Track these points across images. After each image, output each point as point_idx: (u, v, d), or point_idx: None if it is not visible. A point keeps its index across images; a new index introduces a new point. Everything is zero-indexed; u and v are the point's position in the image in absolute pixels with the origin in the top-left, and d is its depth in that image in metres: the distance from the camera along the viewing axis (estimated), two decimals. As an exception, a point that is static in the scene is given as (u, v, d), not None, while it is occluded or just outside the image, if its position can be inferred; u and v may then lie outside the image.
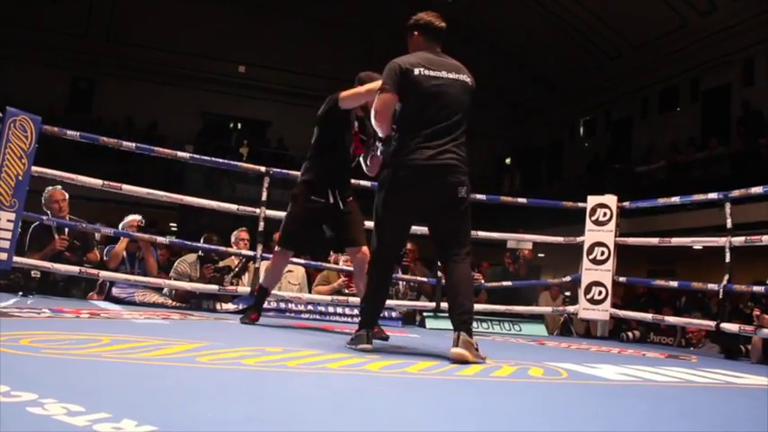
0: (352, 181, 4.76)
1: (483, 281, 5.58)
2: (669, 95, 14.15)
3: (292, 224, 3.58)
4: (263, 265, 4.99)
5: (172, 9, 15.85)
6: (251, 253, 4.65)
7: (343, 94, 3.39)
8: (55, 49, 15.07)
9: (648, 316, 4.96)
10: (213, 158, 5.47)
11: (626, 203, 5.18)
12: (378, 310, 2.88)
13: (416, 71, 2.70)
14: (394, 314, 4.79)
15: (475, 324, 4.81)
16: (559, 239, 5.33)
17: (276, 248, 3.69)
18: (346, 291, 4.92)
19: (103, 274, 4.36)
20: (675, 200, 5.18)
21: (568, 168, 16.57)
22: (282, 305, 4.62)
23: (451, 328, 4.69)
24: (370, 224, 2.96)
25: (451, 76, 2.75)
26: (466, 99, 2.78)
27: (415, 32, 2.87)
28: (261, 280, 3.85)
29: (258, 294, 3.74)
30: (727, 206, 4.33)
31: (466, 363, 2.47)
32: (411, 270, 5.60)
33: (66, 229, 4.55)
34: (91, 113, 15.39)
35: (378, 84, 2.92)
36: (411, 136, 2.69)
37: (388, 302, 4.80)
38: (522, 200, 5.73)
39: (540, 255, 10.91)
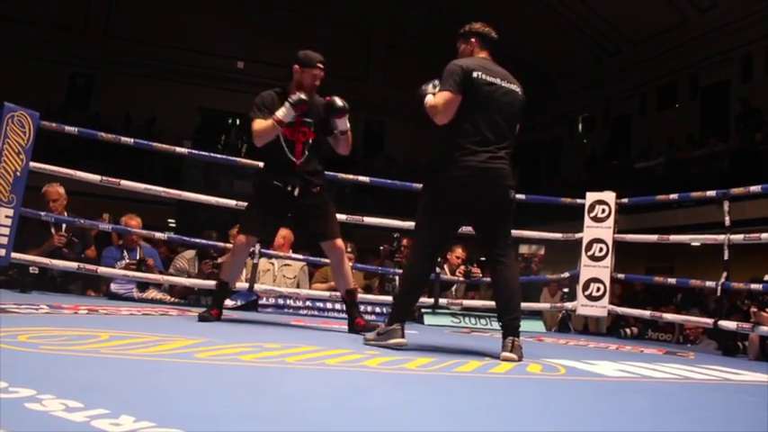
0: (351, 177, 4.75)
1: (482, 276, 5.57)
2: (668, 92, 14.14)
3: (253, 208, 3.46)
4: (262, 262, 5.01)
5: (170, 5, 15.81)
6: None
7: (255, 128, 3.27)
8: (52, 45, 15.02)
9: (646, 313, 4.96)
10: (211, 154, 5.46)
11: (625, 200, 5.18)
12: (411, 307, 2.90)
13: (476, 74, 2.72)
14: (392, 310, 4.79)
15: (473, 320, 4.86)
16: (558, 236, 5.33)
17: (237, 236, 3.46)
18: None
19: (102, 270, 4.35)
20: (674, 197, 5.18)
21: (567, 165, 16.57)
22: (281, 301, 4.62)
23: (450, 324, 4.75)
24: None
25: (505, 84, 2.79)
26: (517, 109, 2.83)
27: (473, 39, 2.90)
28: (221, 273, 3.62)
29: (218, 290, 3.51)
30: (726, 204, 4.33)
31: None
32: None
33: (64, 226, 4.54)
34: (89, 109, 15.35)
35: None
36: (465, 139, 2.70)
37: (385, 298, 4.81)
38: (520, 196, 5.71)
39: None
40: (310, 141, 3.37)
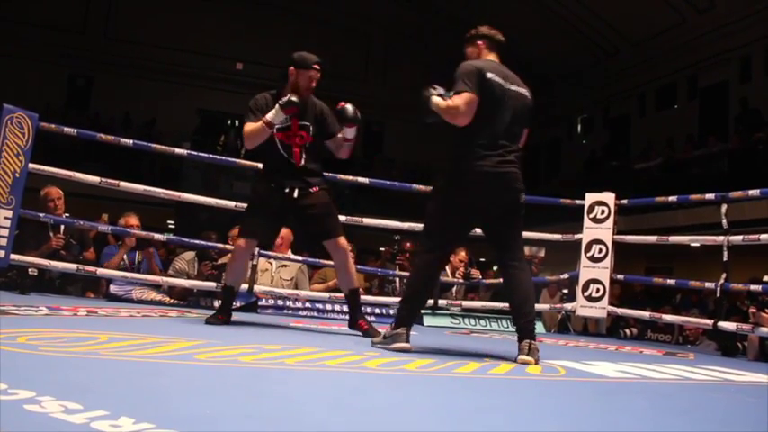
0: (350, 178, 4.75)
1: (481, 277, 5.58)
2: (667, 93, 14.16)
3: (252, 211, 3.39)
4: (261, 263, 5.00)
5: (169, 6, 15.81)
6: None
7: (245, 130, 3.23)
8: (52, 47, 15.02)
9: (646, 314, 4.96)
10: (211, 155, 5.46)
11: (624, 201, 5.18)
12: (419, 310, 2.87)
13: (489, 76, 2.69)
14: (391, 311, 4.79)
15: (473, 321, 4.86)
16: (557, 237, 5.33)
17: (237, 240, 3.41)
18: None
19: (101, 271, 4.35)
20: (673, 199, 5.18)
21: (566, 166, 16.57)
22: (281, 302, 4.61)
23: (450, 325, 4.75)
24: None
25: (514, 87, 2.77)
26: (527, 113, 2.82)
27: (480, 42, 2.88)
28: (224, 278, 3.56)
29: (224, 295, 3.42)
30: (723, 207, 4.33)
31: None
32: (408, 268, 5.59)
33: (63, 228, 4.53)
34: (88, 111, 15.35)
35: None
36: (477, 142, 2.68)
37: (385, 299, 4.81)
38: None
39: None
40: (307, 145, 3.31)
